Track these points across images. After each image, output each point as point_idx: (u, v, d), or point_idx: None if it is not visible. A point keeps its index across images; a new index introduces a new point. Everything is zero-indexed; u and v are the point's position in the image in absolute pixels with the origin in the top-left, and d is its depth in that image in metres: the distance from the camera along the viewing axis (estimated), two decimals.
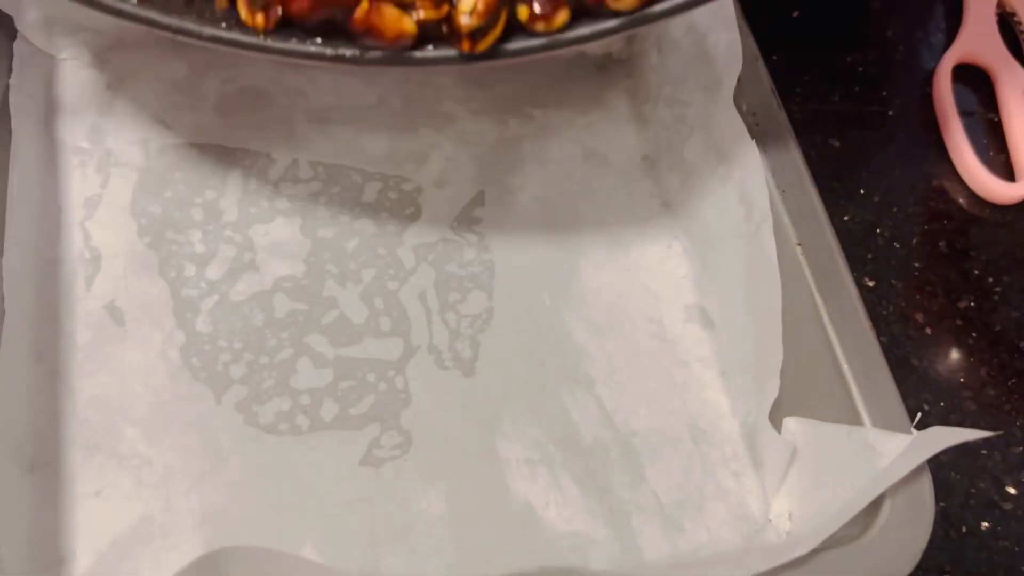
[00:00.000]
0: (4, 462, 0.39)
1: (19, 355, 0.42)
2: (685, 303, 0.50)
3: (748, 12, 0.50)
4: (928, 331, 0.54)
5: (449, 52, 0.35)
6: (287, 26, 0.34)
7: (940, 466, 0.44)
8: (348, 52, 0.35)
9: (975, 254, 0.57)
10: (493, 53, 0.35)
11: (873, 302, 0.53)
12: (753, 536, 0.43)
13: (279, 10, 0.34)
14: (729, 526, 0.44)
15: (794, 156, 0.47)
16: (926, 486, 0.40)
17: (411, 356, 0.47)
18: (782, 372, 0.43)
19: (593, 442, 0.46)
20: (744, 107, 0.48)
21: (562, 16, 0.35)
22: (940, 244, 0.57)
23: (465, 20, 0.34)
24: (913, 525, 0.39)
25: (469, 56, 0.35)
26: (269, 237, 0.49)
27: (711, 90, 0.49)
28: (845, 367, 0.42)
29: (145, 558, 0.40)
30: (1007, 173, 0.59)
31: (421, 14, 0.34)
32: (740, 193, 0.47)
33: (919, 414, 0.42)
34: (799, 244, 0.45)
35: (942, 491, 0.40)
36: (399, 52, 0.35)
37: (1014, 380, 0.53)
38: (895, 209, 0.58)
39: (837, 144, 0.60)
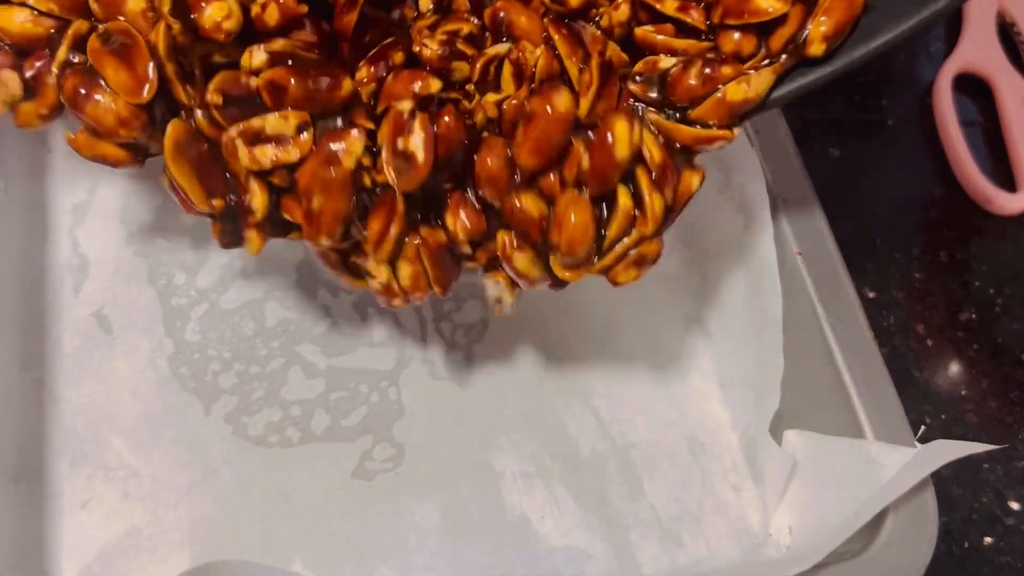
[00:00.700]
0: None
1: (5, 363, 0.41)
2: (684, 313, 0.49)
3: None
4: (929, 343, 0.53)
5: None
6: None
7: (942, 480, 0.44)
8: None
9: (976, 265, 0.57)
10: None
11: (874, 313, 0.52)
12: (753, 550, 0.43)
13: None
14: (729, 540, 0.43)
15: (795, 165, 0.47)
16: (929, 500, 0.39)
17: (404, 367, 0.46)
18: (782, 384, 0.42)
19: (590, 454, 0.45)
20: None
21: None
22: (941, 255, 0.57)
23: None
24: (916, 540, 0.38)
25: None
26: None
27: None
28: (847, 379, 0.42)
29: (132, 572, 0.39)
30: (1008, 183, 0.59)
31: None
32: (740, 202, 0.46)
33: (922, 427, 0.41)
34: (800, 253, 0.44)
35: (944, 506, 0.40)
36: None
37: (1016, 392, 0.52)
38: (895, 219, 0.58)
39: (837, 153, 0.59)
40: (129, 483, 0.41)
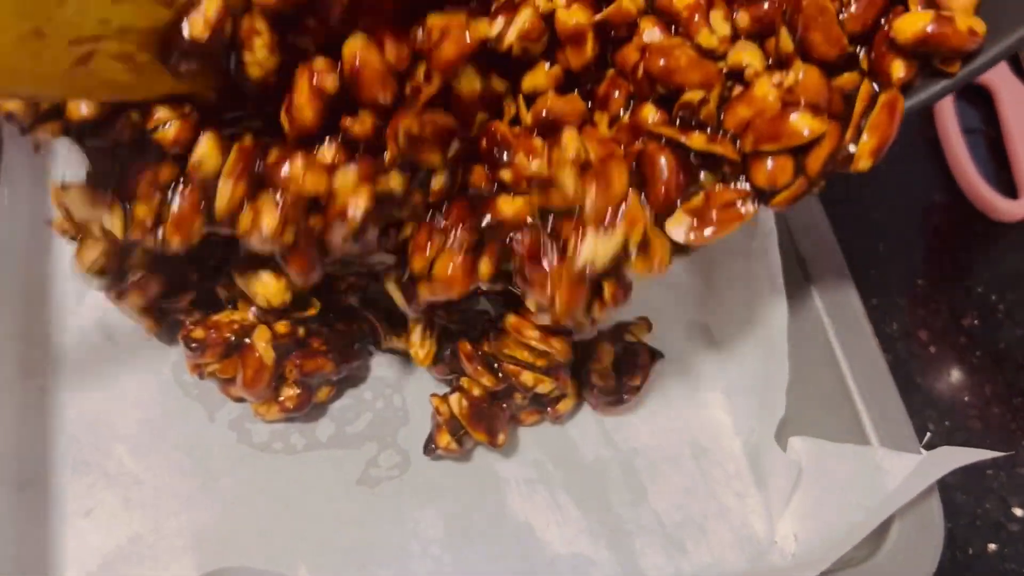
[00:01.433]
0: None
1: (8, 371, 0.41)
2: (688, 320, 0.49)
3: None
4: (932, 349, 0.53)
5: None
6: None
7: (946, 487, 0.43)
8: None
9: (979, 271, 0.57)
10: None
11: (876, 319, 0.52)
12: (758, 558, 0.43)
13: None
14: (733, 547, 0.43)
15: None
16: (935, 507, 0.39)
17: (409, 374, 0.46)
18: (787, 390, 0.42)
19: (593, 461, 0.45)
20: None
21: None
22: (944, 261, 0.57)
23: None
24: (922, 547, 0.38)
25: None
26: None
27: None
28: (851, 385, 0.42)
29: None
30: (1010, 190, 0.59)
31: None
32: None
33: (927, 434, 0.41)
34: (805, 260, 0.44)
35: (948, 512, 0.40)
36: None
37: (1019, 398, 0.52)
38: (898, 225, 0.58)
39: None
40: (132, 491, 0.41)
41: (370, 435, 0.44)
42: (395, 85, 0.32)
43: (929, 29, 0.31)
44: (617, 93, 0.35)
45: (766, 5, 0.33)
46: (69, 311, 0.45)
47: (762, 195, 0.33)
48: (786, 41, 0.32)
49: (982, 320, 0.55)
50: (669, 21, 0.34)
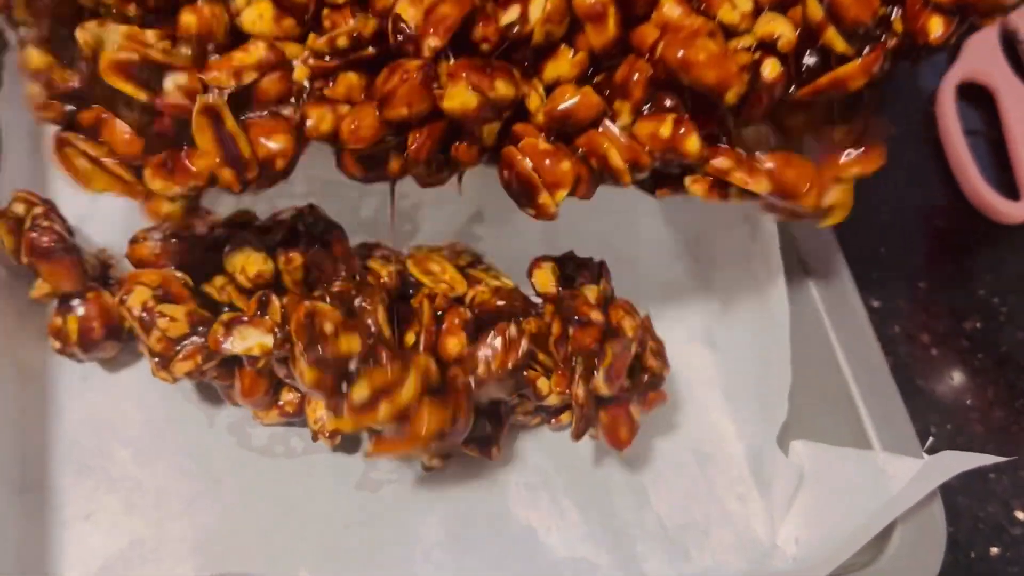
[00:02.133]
0: None
1: (8, 374, 0.41)
2: (689, 323, 0.49)
3: None
4: (934, 352, 0.53)
5: None
6: None
7: (948, 490, 0.43)
8: None
9: (980, 274, 0.56)
10: None
11: (878, 322, 0.52)
12: (760, 561, 0.43)
13: None
14: (735, 551, 0.43)
15: None
16: (937, 512, 0.39)
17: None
18: (789, 394, 0.42)
19: (595, 465, 0.45)
20: None
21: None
22: (945, 264, 0.57)
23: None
24: (925, 551, 0.38)
25: None
26: None
27: None
28: (854, 389, 0.41)
29: None
30: (1012, 192, 0.59)
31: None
32: (745, 211, 0.46)
33: (930, 438, 0.41)
34: (807, 263, 0.44)
35: (950, 516, 0.40)
36: None
37: (1021, 401, 0.52)
38: (900, 229, 0.57)
39: None
40: (133, 494, 0.41)
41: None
42: None
43: None
44: (637, 76, 0.33)
45: None
46: None
47: None
48: (814, 8, 0.32)
49: (984, 323, 0.55)
50: None
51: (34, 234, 0.39)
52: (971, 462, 0.38)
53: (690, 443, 0.46)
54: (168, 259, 0.41)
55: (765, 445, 0.43)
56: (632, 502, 0.44)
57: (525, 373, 0.41)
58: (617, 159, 0.34)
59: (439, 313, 0.41)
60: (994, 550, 0.47)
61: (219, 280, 0.42)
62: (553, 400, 0.41)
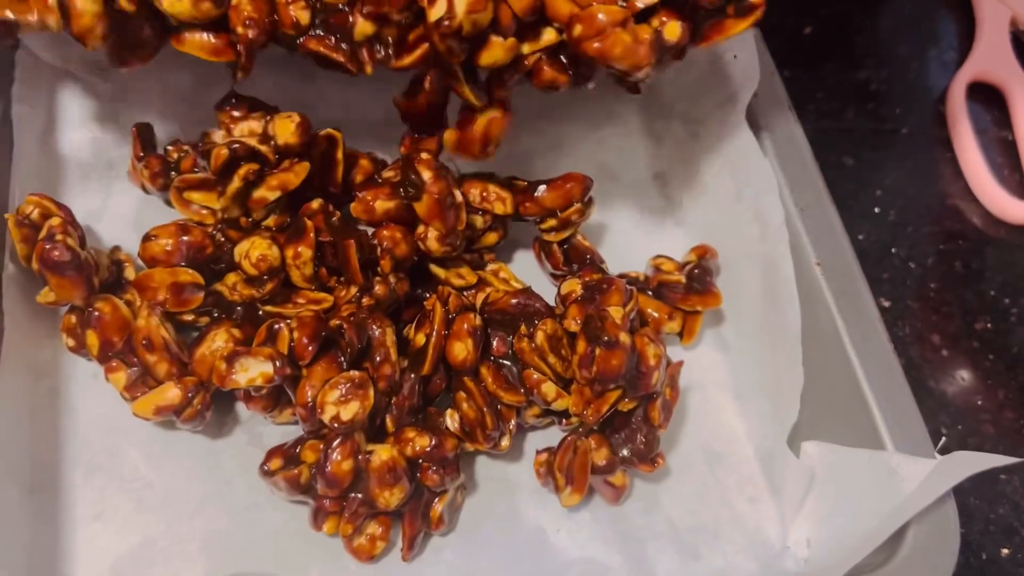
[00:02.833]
0: (3, 483, 0.38)
1: (19, 373, 0.41)
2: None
3: (760, 28, 0.49)
4: (945, 353, 0.53)
5: None
6: None
7: (959, 491, 0.43)
8: None
9: (991, 275, 0.56)
10: None
11: (889, 323, 0.52)
12: (771, 563, 0.42)
13: None
14: (746, 553, 0.43)
15: (812, 174, 0.47)
16: (951, 513, 0.39)
17: None
18: (800, 395, 0.42)
19: None
20: (761, 123, 0.47)
21: None
22: (956, 264, 0.56)
23: None
24: (938, 553, 0.38)
25: None
26: None
27: (726, 107, 0.48)
28: (866, 389, 0.41)
29: None
30: (1022, 192, 0.59)
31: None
32: (754, 211, 0.46)
33: (942, 439, 0.41)
34: (818, 263, 0.44)
35: (962, 517, 0.39)
36: None
37: None
38: (910, 228, 0.57)
39: (851, 162, 0.59)
40: (143, 494, 0.41)
41: None
42: None
43: None
44: None
45: None
46: None
47: None
48: None
49: (995, 324, 0.54)
50: None
51: (48, 246, 0.39)
52: (984, 463, 0.37)
53: (700, 444, 0.46)
54: (180, 257, 0.41)
55: (776, 446, 0.43)
56: (643, 504, 0.44)
57: (531, 376, 0.41)
58: None
59: (451, 317, 0.41)
60: (1005, 551, 0.47)
61: (231, 278, 0.42)
62: (560, 405, 0.41)
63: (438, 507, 0.40)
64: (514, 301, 0.42)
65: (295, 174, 0.41)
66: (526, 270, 0.49)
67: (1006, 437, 0.51)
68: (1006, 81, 0.62)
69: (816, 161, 0.47)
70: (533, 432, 0.45)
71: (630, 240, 0.51)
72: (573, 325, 0.41)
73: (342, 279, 0.43)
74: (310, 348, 0.38)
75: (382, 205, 0.42)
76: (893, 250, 0.56)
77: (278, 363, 0.37)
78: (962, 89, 0.61)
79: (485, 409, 0.41)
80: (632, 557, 0.42)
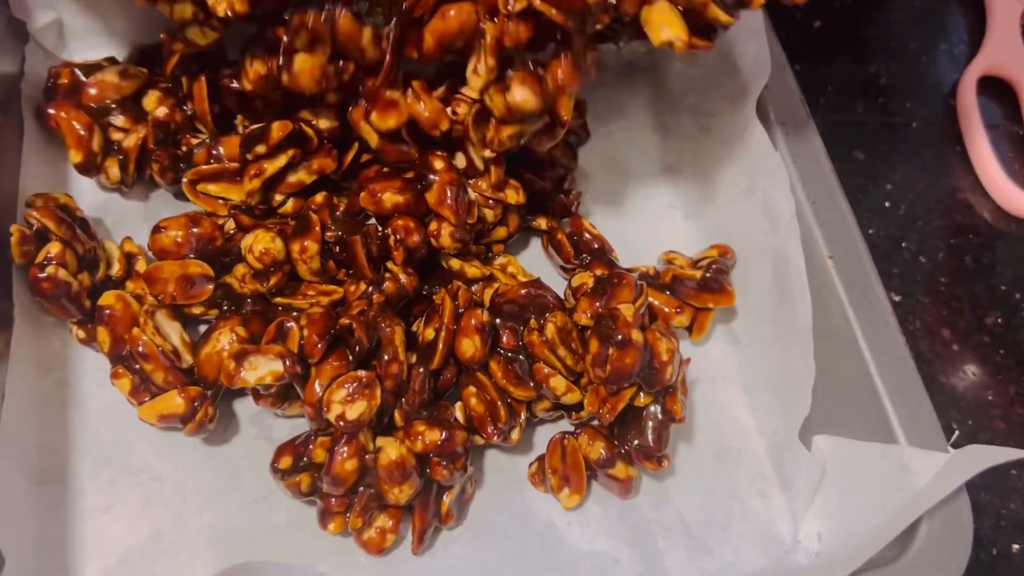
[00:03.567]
0: (12, 474, 0.38)
1: (28, 365, 0.41)
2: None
3: (771, 22, 0.49)
4: (955, 347, 0.53)
5: None
6: None
7: (970, 486, 0.43)
8: None
9: (1001, 269, 0.56)
10: None
11: (900, 317, 0.52)
12: (782, 558, 0.42)
13: None
14: (756, 547, 0.43)
15: (824, 167, 0.46)
16: (964, 508, 0.39)
17: None
18: (811, 389, 0.42)
19: None
20: (772, 116, 0.47)
21: None
22: (966, 259, 0.56)
23: None
24: (951, 547, 0.38)
25: None
26: None
27: (736, 100, 0.48)
28: (879, 384, 0.41)
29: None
30: None
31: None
32: (764, 205, 0.46)
33: (955, 433, 0.41)
34: (830, 257, 0.44)
35: (973, 512, 0.39)
36: None
37: None
38: (920, 223, 0.57)
39: (862, 156, 0.59)
40: (152, 487, 0.41)
41: None
42: None
43: None
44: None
45: None
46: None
47: None
48: None
49: (1005, 319, 0.54)
50: None
51: (40, 275, 0.40)
52: (997, 457, 0.37)
53: (711, 439, 0.46)
54: (190, 249, 0.41)
55: (787, 440, 0.43)
56: (653, 497, 0.44)
57: (541, 370, 0.41)
58: None
59: (460, 311, 0.41)
60: (1016, 547, 0.47)
61: (240, 269, 0.42)
62: (570, 399, 0.41)
63: (447, 500, 0.40)
64: (524, 291, 0.41)
65: (333, 158, 0.42)
66: (534, 266, 0.49)
67: (1017, 433, 0.50)
68: (1017, 75, 0.62)
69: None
70: (543, 425, 0.45)
71: (639, 233, 0.51)
72: (584, 318, 0.41)
73: (351, 272, 0.43)
74: (319, 346, 0.38)
75: (391, 198, 0.42)
76: (903, 244, 0.56)
77: (288, 361, 0.37)
78: (972, 83, 0.61)
79: (499, 402, 0.41)
80: (642, 551, 0.42)
